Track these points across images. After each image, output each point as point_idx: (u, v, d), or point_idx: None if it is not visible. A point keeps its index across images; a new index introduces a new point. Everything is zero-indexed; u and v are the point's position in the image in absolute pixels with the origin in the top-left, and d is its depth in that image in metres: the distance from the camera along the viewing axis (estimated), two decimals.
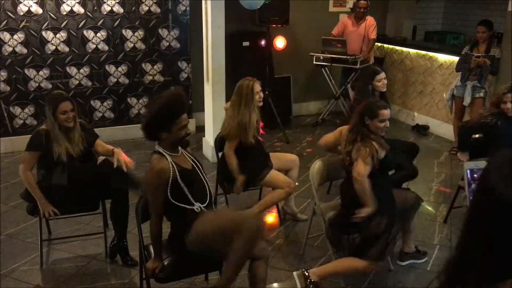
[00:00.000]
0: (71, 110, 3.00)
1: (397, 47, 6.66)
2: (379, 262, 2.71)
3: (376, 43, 6.42)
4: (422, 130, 6.11)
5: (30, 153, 3.02)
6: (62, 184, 2.98)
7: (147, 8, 5.42)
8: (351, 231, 2.77)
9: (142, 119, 2.50)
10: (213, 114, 4.90)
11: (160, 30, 5.56)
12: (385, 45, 6.82)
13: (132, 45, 5.45)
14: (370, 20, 5.93)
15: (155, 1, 5.43)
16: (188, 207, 2.44)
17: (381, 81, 3.72)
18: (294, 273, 2.79)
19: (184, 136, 2.47)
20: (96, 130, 3.35)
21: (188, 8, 5.61)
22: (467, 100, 5.06)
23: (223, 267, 2.56)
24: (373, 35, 5.94)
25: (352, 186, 2.81)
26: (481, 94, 5.04)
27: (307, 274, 2.74)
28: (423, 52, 6.25)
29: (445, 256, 3.35)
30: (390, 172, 3.06)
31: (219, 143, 3.64)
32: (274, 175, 3.47)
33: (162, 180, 2.38)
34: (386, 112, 2.79)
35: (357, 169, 2.70)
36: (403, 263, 3.20)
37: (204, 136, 5.25)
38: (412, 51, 6.42)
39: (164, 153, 2.45)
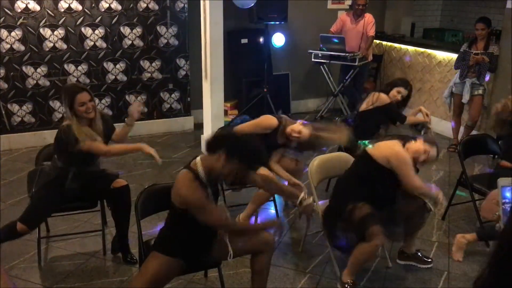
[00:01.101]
0: (89, 101, 2.91)
1: (396, 44, 6.66)
2: (380, 236, 2.67)
3: (374, 40, 6.42)
4: (420, 127, 6.11)
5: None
6: (73, 188, 2.96)
7: (145, 5, 5.41)
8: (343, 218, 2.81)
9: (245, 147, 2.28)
10: (211, 112, 4.89)
11: (158, 27, 5.54)
12: (384, 42, 6.82)
13: (130, 42, 5.44)
14: (368, 17, 5.93)
15: None
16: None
17: (400, 93, 3.95)
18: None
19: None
20: None
21: (186, 5, 5.60)
22: (465, 98, 5.06)
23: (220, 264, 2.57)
24: (371, 32, 5.93)
25: (352, 183, 2.82)
26: (480, 92, 5.04)
27: (342, 281, 2.83)
28: (422, 49, 6.25)
29: (443, 253, 3.36)
30: None
31: None
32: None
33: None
34: None
35: (413, 184, 2.78)
36: (401, 262, 3.20)
37: (202, 134, 5.24)
38: (411, 48, 6.42)
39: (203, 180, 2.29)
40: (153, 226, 3.28)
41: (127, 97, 5.60)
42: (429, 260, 3.20)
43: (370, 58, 6.19)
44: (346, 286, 2.80)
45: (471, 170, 4.59)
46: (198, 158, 2.31)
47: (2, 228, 2.98)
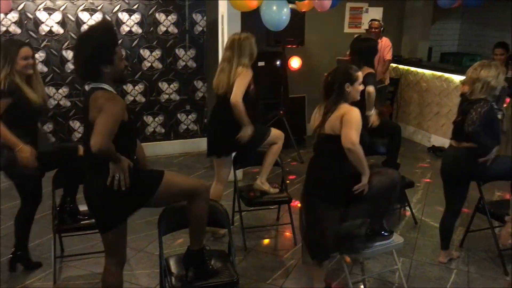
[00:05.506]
0: (32, 56, 2.89)
1: (412, 68, 6.65)
2: None
3: (391, 64, 6.42)
4: (438, 151, 6.05)
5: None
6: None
7: (165, 28, 5.53)
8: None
9: (78, 56, 2.24)
10: None
11: (177, 50, 5.65)
12: (400, 66, 6.82)
13: (149, 64, 5.55)
14: (385, 41, 5.95)
15: (172, 22, 5.55)
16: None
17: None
18: None
19: (124, 68, 2.31)
20: None
21: (204, 29, 5.71)
22: None
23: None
24: (388, 56, 5.94)
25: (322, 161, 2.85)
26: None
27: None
28: (439, 73, 6.23)
29: (462, 281, 3.27)
30: None
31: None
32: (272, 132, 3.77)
33: (122, 114, 2.23)
34: (360, 73, 2.79)
35: (348, 138, 2.55)
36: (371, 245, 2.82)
37: None
38: (428, 72, 6.41)
39: (113, 91, 2.27)
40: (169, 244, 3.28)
41: (145, 118, 5.69)
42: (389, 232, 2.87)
43: (387, 81, 6.18)
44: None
45: (491, 196, 4.50)
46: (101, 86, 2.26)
47: None
